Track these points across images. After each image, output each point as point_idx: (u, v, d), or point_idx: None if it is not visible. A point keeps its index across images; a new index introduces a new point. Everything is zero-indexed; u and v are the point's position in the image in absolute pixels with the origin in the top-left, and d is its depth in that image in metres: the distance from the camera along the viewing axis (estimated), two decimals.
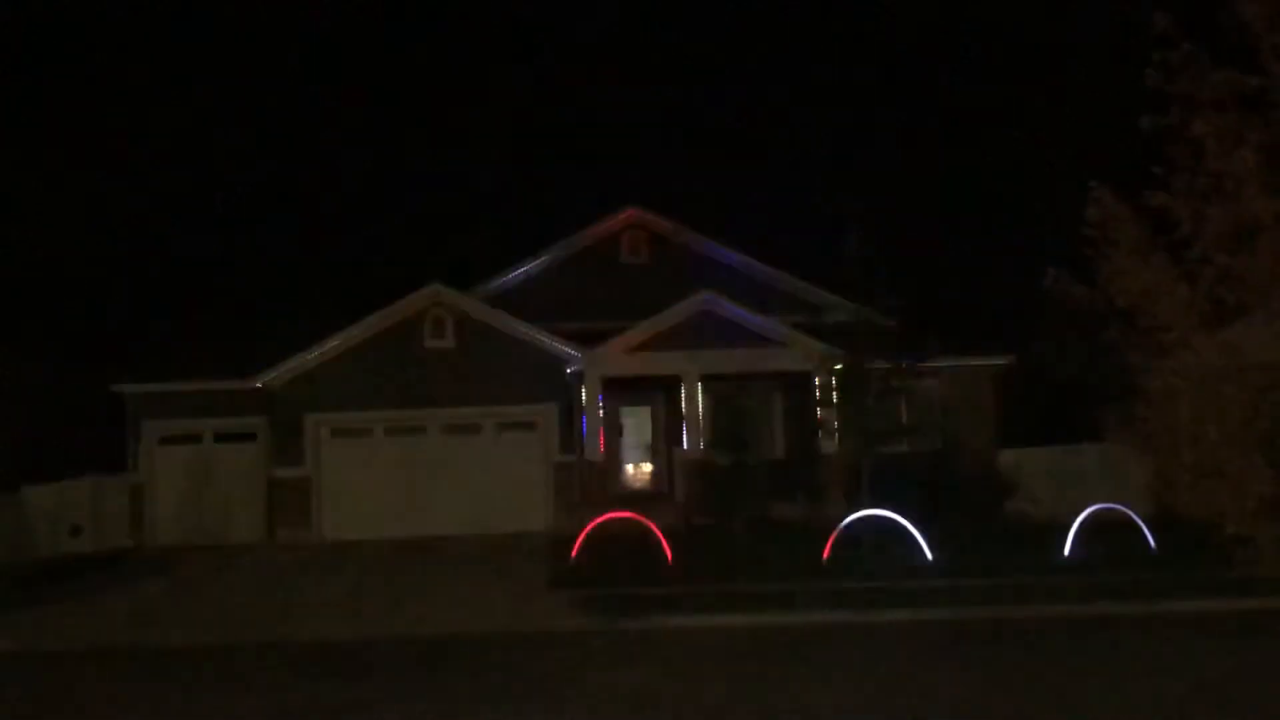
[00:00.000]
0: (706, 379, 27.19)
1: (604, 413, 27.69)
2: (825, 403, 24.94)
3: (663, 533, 20.56)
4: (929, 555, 19.13)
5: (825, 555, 19.36)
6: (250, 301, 39.38)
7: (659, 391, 29.38)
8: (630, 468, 31.70)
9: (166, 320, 36.41)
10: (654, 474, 30.82)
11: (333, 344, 27.30)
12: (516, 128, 58.05)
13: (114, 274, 41.65)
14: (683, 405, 27.43)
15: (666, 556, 19.78)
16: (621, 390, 28.67)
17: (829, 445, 25.87)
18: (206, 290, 42.27)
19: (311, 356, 27.21)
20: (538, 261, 30.73)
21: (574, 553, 20.39)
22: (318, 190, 48.70)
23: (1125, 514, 20.84)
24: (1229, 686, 11.17)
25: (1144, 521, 20.49)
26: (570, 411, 27.32)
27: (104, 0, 54.37)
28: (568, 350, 27.28)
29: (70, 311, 38.37)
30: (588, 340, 27.36)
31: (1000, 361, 28.43)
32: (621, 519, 21.45)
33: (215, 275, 44.35)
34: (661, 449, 29.96)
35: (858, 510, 20.71)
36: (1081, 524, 20.08)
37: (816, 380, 25.92)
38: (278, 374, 27.10)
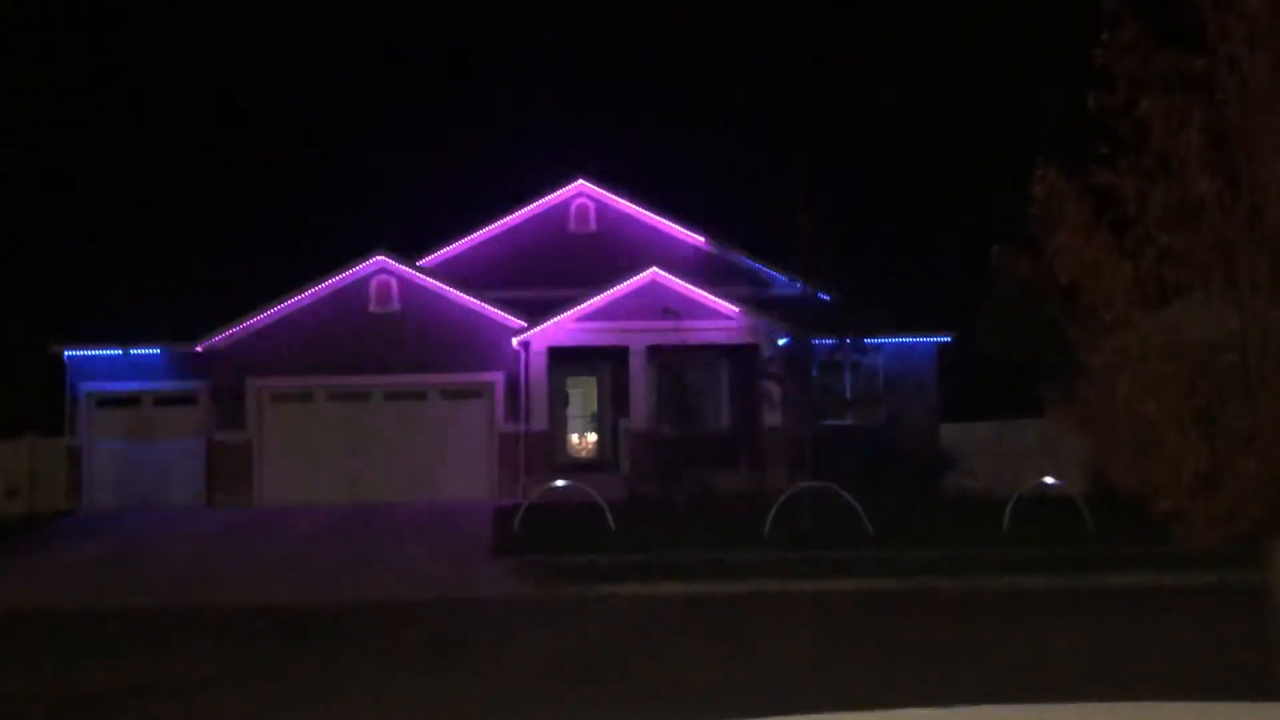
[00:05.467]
0: (653, 351, 27.18)
1: (550, 383, 27.62)
2: (770, 376, 25.02)
3: (606, 503, 20.58)
4: (869, 527, 19.27)
5: (767, 526, 19.46)
6: (192, 265, 38.88)
7: (605, 363, 29.33)
8: (575, 438, 31.67)
9: (107, 282, 35.86)
10: (599, 444, 30.81)
11: (276, 309, 27.00)
12: (465, 94, 57.67)
13: (54, 235, 40.98)
14: (629, 377, 27.42)
15: (609, 526, 19.80)
16: (568, 361, 28.59)
17: (773, 418, 25.97)
18: (148, 253, 41.65)
19: (254, 321, 26.88)
20: (485, 231, 30.45)
21: (517, 521, 20.37)
22: (263, 154, 48.13)
23: (1063, 489, 21.08)
24: (1147, 656, 11.32)
25: (1081, 497, 20.72)
26: (516, 381, 27.21)
27: None
28: (514, 320, 27.15)
29: (7, 272, 37.69)
30: (535, 310, 27.23)
31: (944, 338, 28.62)
32: (565, 488, 21.44)
33: (157, 238, 43.73)
34: (607, 420, 29.95)
35: (800, 482, 20.83)
36: (1019, 498, 20.30)
37: (762, 354, 25.99)
38: (220, 338, 26.75)
